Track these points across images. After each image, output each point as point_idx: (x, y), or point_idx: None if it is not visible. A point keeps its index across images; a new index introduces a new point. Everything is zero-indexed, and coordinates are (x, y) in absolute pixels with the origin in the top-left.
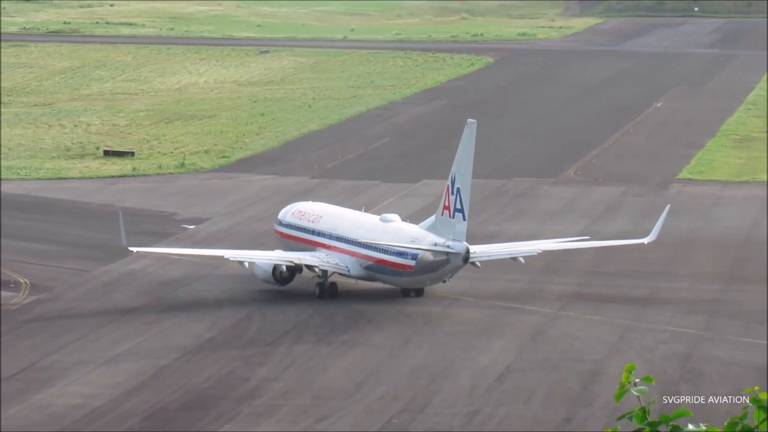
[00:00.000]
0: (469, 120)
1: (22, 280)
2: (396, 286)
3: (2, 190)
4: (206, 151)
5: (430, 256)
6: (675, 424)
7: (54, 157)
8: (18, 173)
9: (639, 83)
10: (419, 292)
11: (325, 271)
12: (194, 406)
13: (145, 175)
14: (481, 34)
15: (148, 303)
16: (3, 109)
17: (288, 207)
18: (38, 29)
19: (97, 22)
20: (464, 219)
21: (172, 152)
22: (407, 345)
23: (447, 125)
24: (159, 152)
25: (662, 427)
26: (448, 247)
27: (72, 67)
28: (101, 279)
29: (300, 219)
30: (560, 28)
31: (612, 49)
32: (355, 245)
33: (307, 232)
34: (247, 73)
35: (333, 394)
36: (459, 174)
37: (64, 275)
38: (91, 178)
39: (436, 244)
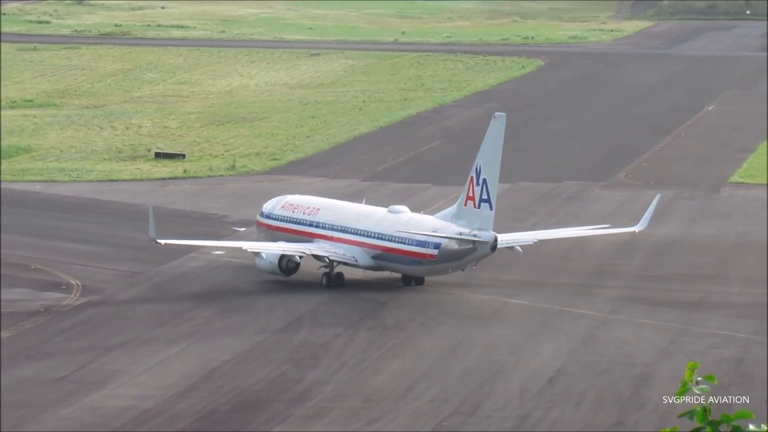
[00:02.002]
0: (497, 113)
1: (73, 282)
2: (412, 275)
3: (55, 191)
4: (257, 154)
5: (454, 245)
6: (736, 424)
7: (105, 159)
8: (69, 175)
9: (690, 86)
10: (419, 281)
11: (332, 261)
12: (245, 408)
13: (195, 177)
14: (532, 37)
15: (199, 305)
16: (55, 111)
17: (275, 200)
18: (89, 32)
19: (149, 25)
20: (491, 209)
21: (222, 154)
22: (458, 348)
23: None
24: (210, 154)
25: (723, 427)
26: (474, 235)
27: (123, 70)
28: (153, 281)
29: (293, 211)
30: (611, 31)
31: (663, 53)
32: (364, 236)
33: (303, 224)
34: (298, 75)
35: (384, 397)
36: (485, 166)
37: (116, 277)
38: (142, 180)
39: (461, 233)
